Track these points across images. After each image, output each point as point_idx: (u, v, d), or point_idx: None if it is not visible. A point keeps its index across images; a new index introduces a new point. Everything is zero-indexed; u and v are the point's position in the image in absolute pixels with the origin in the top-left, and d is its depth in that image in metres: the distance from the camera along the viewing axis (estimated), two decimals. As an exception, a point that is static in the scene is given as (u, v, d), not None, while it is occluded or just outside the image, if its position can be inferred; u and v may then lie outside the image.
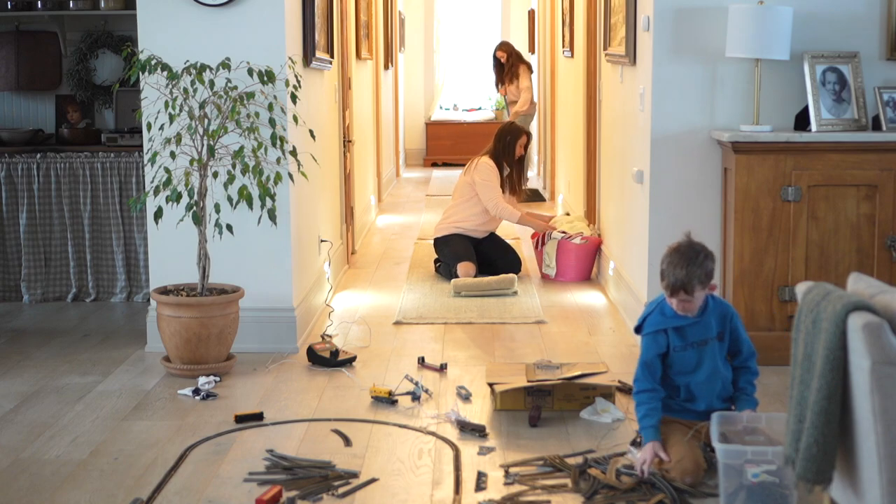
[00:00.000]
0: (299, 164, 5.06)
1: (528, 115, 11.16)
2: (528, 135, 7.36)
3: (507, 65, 11.12)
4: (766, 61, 4.93)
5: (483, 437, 3.97)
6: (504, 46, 11.31)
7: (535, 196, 10.87)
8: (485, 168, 7.13)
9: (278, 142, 4.83)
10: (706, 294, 3.58)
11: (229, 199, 4.86)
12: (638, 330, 3.72)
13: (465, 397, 4.44)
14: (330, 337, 5.42)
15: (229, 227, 4.86)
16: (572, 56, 8.68)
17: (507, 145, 7.21)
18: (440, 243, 7.13)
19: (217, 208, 4.84)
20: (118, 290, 6.32)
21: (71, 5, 6.71)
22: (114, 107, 6.93)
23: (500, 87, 11.29)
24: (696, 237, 4.97)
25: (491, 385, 4.37)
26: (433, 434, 4.01)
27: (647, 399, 3.60)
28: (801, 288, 2.99)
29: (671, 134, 5.09)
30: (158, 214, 4.79)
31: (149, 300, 5.79)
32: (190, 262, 4.99)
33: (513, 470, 3.63)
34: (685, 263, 3.48)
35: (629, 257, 5.82)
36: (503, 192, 7.17)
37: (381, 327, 5.71)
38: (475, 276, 6.80)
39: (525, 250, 7.88)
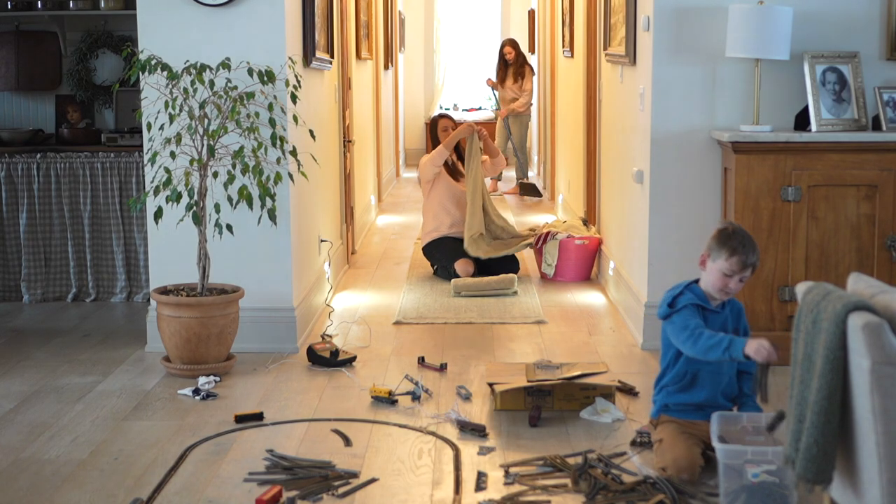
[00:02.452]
0: (299, 164, 5.06)
1: (526, 115, 11.20)
2: (445, 117, 7.44)
3: (516, 63, 11.16)
4: (766, 61, 4.93)
5: (483, 437, 3.96)
6: (513, 44, 11.36)
7: (533, 190, 10.91)
8: (420, 169, 7.28)
9: (278, 142, 4.83)
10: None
11: (229, 199, 4.86)
12: (666, 314, 3.66)
13: (465, 397, 4.44)
14: (330, 337, 5.42)
15: (229, 227, 4.86)
16: (572, 56, 8.68)
17: (433, 137, 7.41)
18: (429, 250, 7.15)
19: (217, 208, 4.84)
20: (118, 290, 6.32)
21: (71, 5, 6.71)
22: (114, 107, 6.94)
23: (501, 82, 11.29)
24: (696, 237, 4.99)
25: (491, 385, 4.37)
26: (433, 434, 4.01)
27: (712, 333, 3.52)
28: (801, 288, 2.99)
29: (671, 134, 5.09)
30: (158, 214, 4.79)
31: (149, 300, 5.79)
32: (190, 262, 4.99)
33: (513, 470, 3.63)
34: (753, 247, 3.61)
35: (629, 257, 5.81)
36: (454, 180, 7.25)
37: (381, 327, 5.71)
38: (474, 273, 6.81)
39: (525, 250, 7.87)
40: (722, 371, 3.69)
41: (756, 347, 3.35)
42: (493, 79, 11.46)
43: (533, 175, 12.63)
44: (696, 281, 3.71)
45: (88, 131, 6.80)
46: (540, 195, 10.98)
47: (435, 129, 7.42)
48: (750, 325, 4.71)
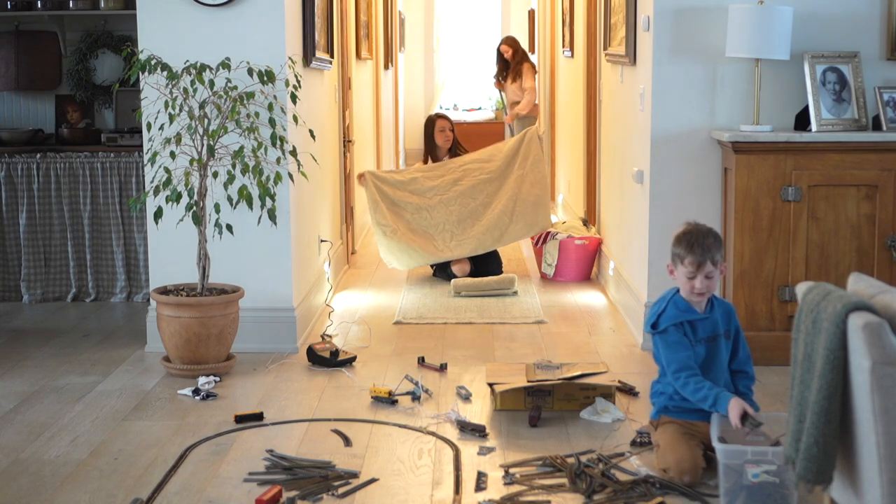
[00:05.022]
0: (299, 164, 5.06)
1: (532, 117, 10.90)
2: (443, 118, 7.35)
3: (513, 62, 10.76)
4: (766, 61, 4.93)
5: (483, 437, 3.96)
6: (509, 42, 10.78)
7: None
8: None
9: (278, 142, 4.83)
10: (718, 278, 3.63)
11: (229, 199, 4.86)
12: (654, 326, 3.69)
13: (465, 397, 4.44)
14: (330, 337, 5.42)
15: (229, 227, 4.86)
16: (572, 56, 8.68)
17: (428, 139, 7.30)
18: None
19: (217, 208, 4.84)
20: (118, 290, 6.32)
21: (71, 5, 6.71)
22: (114, 107, 6.94)
23: (499, 82, 10.99)
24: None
25: (491, 385, 4.37)
26: (433, 434, 4.01)
27: (697, 378, 3.55)
28: (801, 288, 2.99)
29: (671, 134, 5.09)
30: (158, 214, 4.79)
31: (149, 300, 5.79)
32: (190, 262, 4.99)
33: (513, 470, 3.63)
34: (704, 236, 3.59)
35: (629, 257, 5.82)
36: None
37: (381, 327, 5.71)
38: (470, 272, 6.81)
39: (525, 251, 7.89)
40: (717, 378, 3.67)
41: (734, 414, 3.40)
42: (495, 80, 11.13)
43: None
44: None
45: (88, 131, 6.80)
46: None
47: (432, 128, 7.31)
48: (750, 325, 4.74)
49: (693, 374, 3.57)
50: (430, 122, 7.39)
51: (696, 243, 3.58)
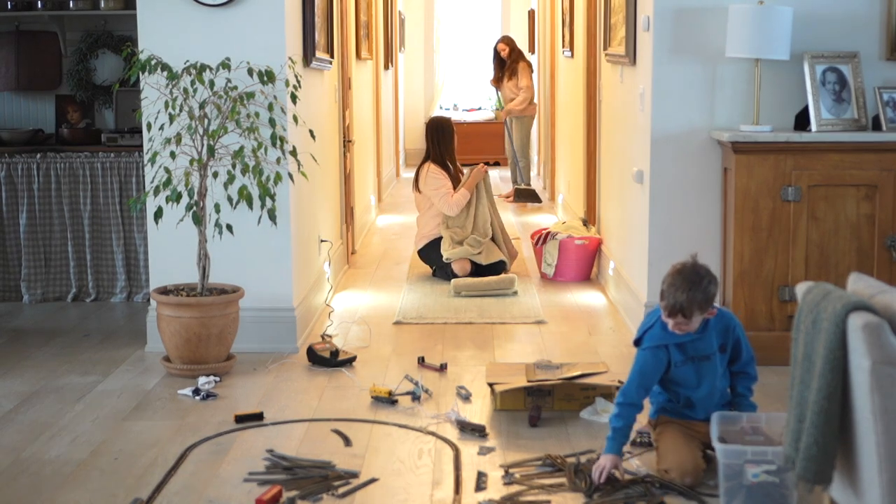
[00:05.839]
0: (299, 164, 5.06)
1: (528, 115, 10.90)
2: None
3: (509, 60, 10.80)
4: (766, 61, 4.93)
5: (483, 437, 3.97)
6: (506, 40, 10.83)
7: (532, 196, 10.64)
8: (433, 179, 7.07)
9: (278, 142, 4.83)
10: (705, 317, 3.53)
11: (229, 199, 4.86)
12: (637, 342, 3.65)
13: (465, 397, 4.44)
14: (330, 337, 5.42)
15: (229, 227, 4.86)
16: (572, 56, 8.68)
17: (442, 139, 7.18)
18: (425, 253, 7.11)
19: (217, 208, 4.84)
20: (118, 290, 6.32)
21: (71, 5, 6.71)
22: (114, 107, 6.94)
23: (497, 82, 10.99)
24: (696, 237, 4.98)
25: (491, 385, 4.37)
26: (433, 434, 4.01)
27: (627, 413, 3.53)
28: (801, 288, 2.99)
29: (671, 134, 5.09)
30: (158, 214, 4.79)
31: (149, 300, 5.79)
32: (190, 262, 4.99)
33: (513, 470, 3.63)
34: (687, 287, 3.41)
35: (629, 257, 5.82)
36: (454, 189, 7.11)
37: (381, 327, 5.71)
38: (471, 272, 6.80)
39: (525, 251, 7.88)
40: (709, 393, 3.66)
41: (598, 465, 3.48)
42: (493, 78, 11.07)
43: (533, 174, 12.48)
44: None
45: (88, 131, 6.81)
46: (539, 200, 10.65)
47: (452, 130, 7.19)
48: (750, 325, 4.72)
49: (628, 404, 3.53)
50: (449, 125, 7.25)
51: (672, 292, 3.43)
